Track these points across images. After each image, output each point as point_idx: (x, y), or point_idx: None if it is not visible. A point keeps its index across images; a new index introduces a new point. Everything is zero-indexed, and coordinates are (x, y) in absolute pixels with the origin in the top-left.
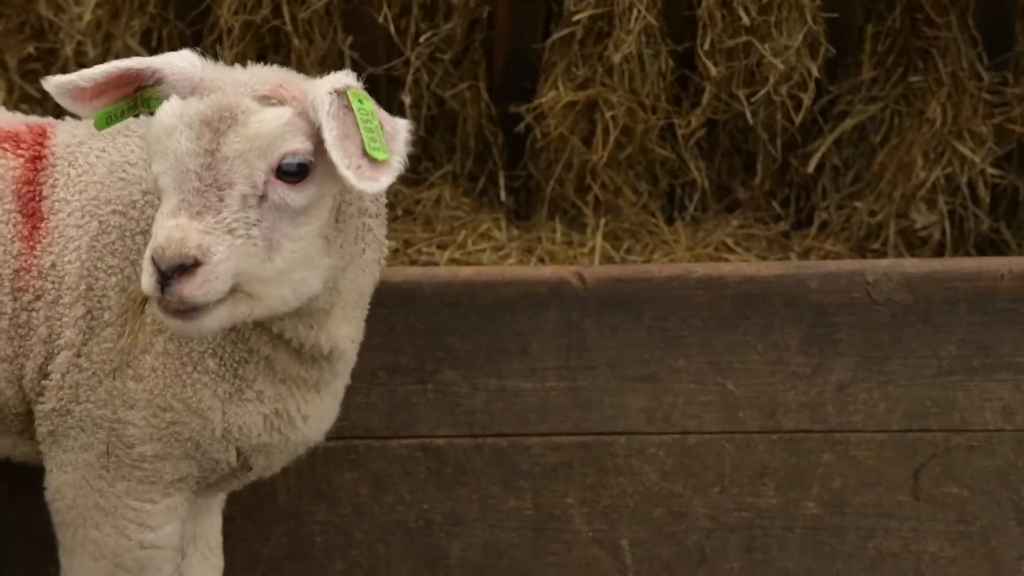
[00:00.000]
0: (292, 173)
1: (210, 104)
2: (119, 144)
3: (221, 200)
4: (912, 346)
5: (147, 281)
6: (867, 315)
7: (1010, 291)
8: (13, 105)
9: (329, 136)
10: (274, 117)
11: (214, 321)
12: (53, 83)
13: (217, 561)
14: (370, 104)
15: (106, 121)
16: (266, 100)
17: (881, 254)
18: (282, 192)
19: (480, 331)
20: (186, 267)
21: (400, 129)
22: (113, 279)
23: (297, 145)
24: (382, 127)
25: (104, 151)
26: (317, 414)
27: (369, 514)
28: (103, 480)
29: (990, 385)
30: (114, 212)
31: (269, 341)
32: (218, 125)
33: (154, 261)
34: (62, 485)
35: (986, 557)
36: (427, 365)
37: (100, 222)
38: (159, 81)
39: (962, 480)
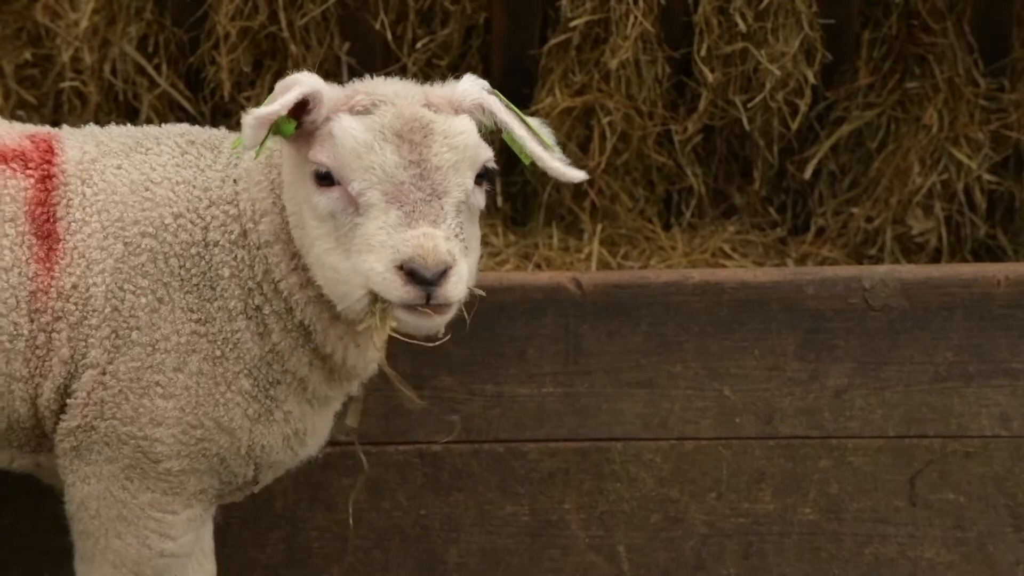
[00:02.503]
0: (483, 176)
1: (395, 117)
2: (136, 161)
3: (443, 208)
4: (909, 352)
5: (408, 291)
6: (864, 321)
7: (1006, 297)
8: (10, 111)
9: (523, 133)
10: (470, 127)
11: (452, 315)
12: (256, 115)
13: (210, 567)
14: None
15: (262, 149)
16: (431, 107)
17: (878, 260)
18: (477, 195)
19: (477, 337)
20: (445, 272)
21: (542, 124)
22: (143, 300)
23: (491, 152)
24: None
25: (120, 168)
26: (322, 431)
27: (366, 520)
28: (127, 491)
29: (987, 391)
30: (143, 234)
31: (308, 362)
32: (411, 136)
33: (414, 271)
34: (86, 496)
35: (983, 563)
36: (424, 371)
37: (126, 243)
38: (317, 105)
39: (959, 486)
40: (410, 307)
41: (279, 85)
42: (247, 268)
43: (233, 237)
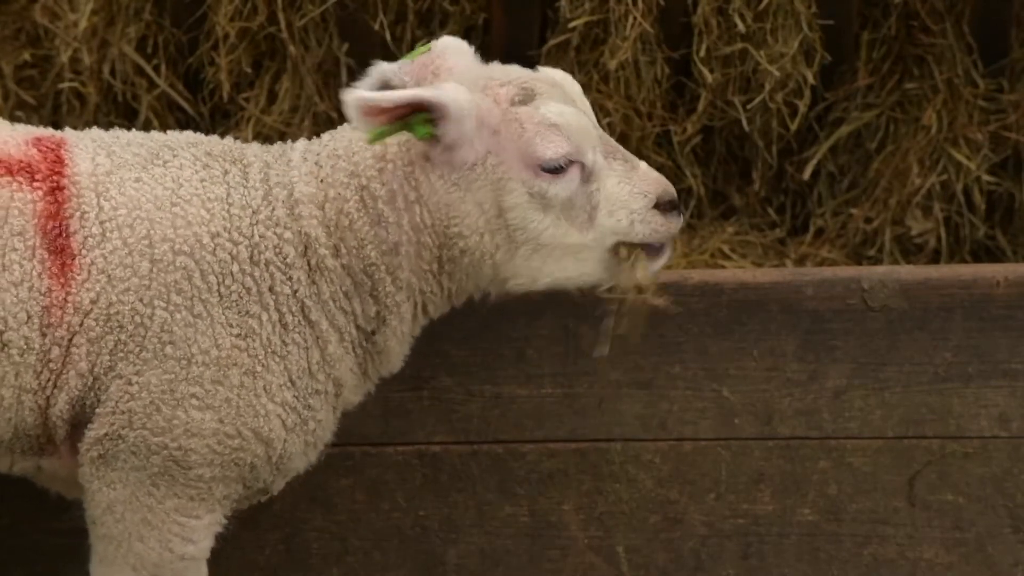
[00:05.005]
0: None
1: (552, 87)
2: (156, 174)
3: None
4: (908, 353)
5: (670, 219)
6: (863, 322)
7: (1005, 298)
8: (9, 112)
9: None
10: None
11: None
12: (355, 97)
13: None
14: None
15: (379, 138)
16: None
17: (877, 261)
18: None
19: (476, 337)
20: None
21: None
22: (178, 315)
23: None
24: None
25: (139, 181)
26: (328, 438)
27: (365, 521)
28: (152, 497)
29: (986, 392)
30: (176, 252)
31: (350, 368)
32: (569, 99)
33: (670, 201)
34: (113, 502)
35: (982, 564)
36: (423, 372)
37: (153, 261)
38: (442, 117)
39: (958, 487)
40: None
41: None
42: (304, 287)
43: (289, 259)
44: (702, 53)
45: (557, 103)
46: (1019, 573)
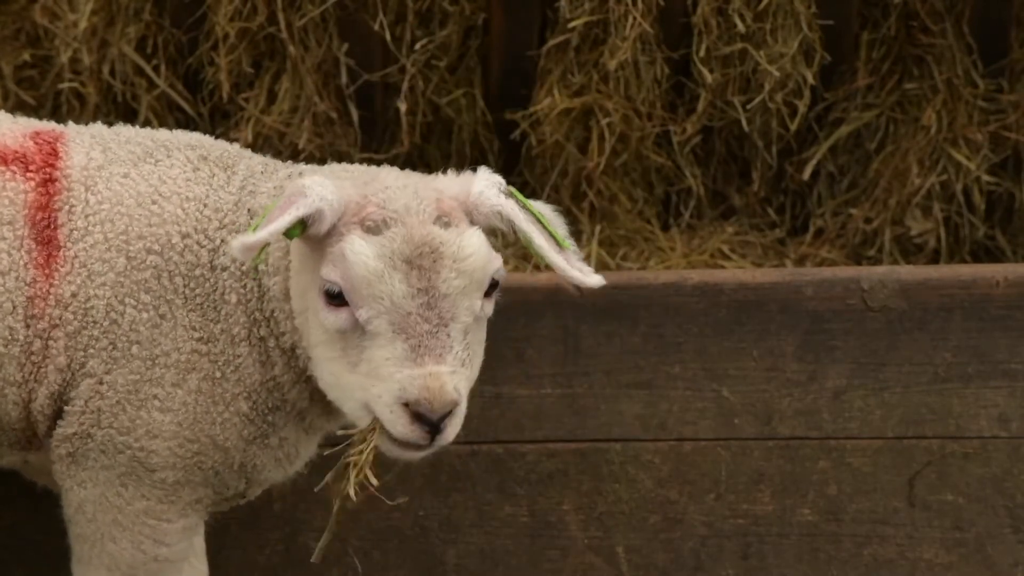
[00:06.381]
0: (493, 287)
1: (404, 241)
2: (144, 171)
3: (449, 336)
4: (907, 353)
5: (413, 430)
6: (863, 322)
7: (1005, 298)
8: (8, 112)
9: (543, 243)
10: (480, 245)
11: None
12: (243, 243)
13: (202, 567)
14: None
15: (259, 255)
16: (442, 221)
17: (876, 261)
18: (486, 307)
19: None
20: (449, 411)
21: (553, 213)
22: (145, 315)
23: (499, 262)
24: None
25: (127, 177)
26: (312, 450)
27: (365, 521)
28: (122, 498)
29: (985, 392)
30: (148, 250)
31: (309, 396)
32: (420, 262)
33: (420, 414)
34: (83, 501)
35: (981, 564)
36: None
37: (129, 257)
38: (319, 221)
39: (957, 487)
40: (405, 442)
41: (290, 189)
42: (255, 299)
43: (245, 268)
44: (702, 53)
45: (374, 250)
46: (1019, 573)
